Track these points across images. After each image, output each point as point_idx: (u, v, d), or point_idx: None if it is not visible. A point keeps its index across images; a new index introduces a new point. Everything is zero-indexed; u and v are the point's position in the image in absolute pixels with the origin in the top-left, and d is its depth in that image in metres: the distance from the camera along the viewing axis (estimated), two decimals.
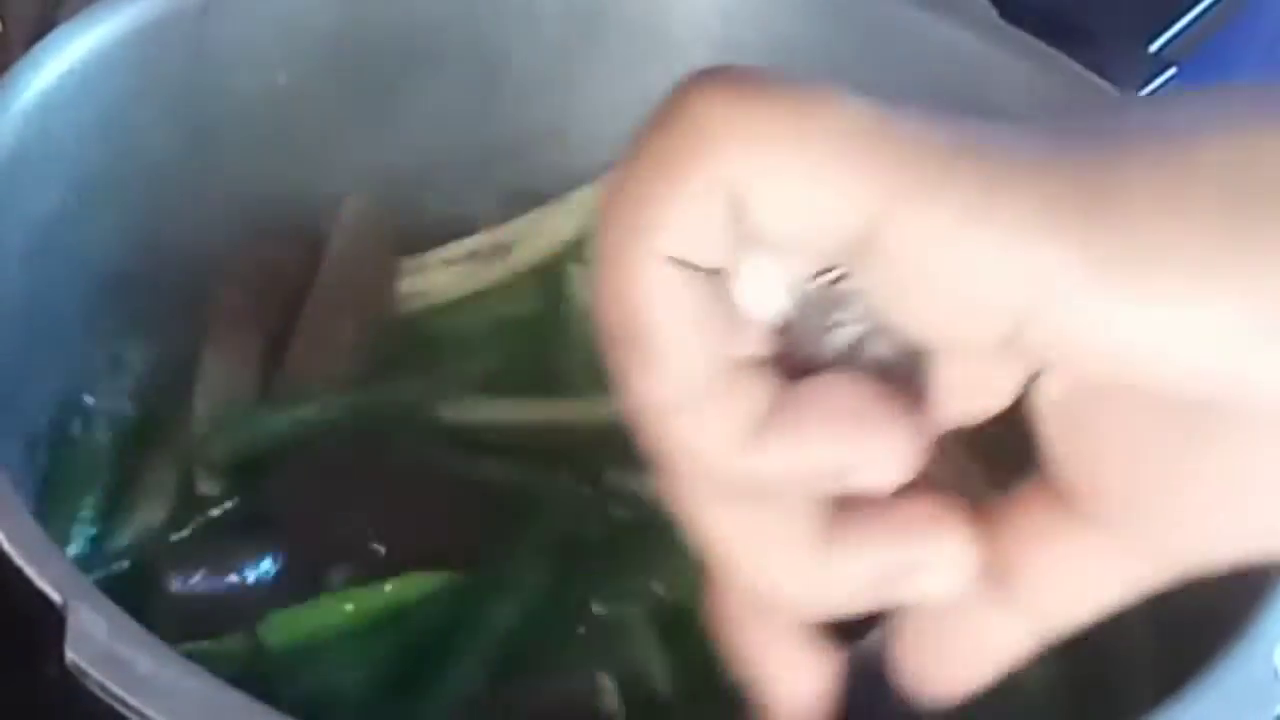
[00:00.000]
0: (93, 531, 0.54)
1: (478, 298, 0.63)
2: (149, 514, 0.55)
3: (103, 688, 0.38)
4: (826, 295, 0.30)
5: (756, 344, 0.30)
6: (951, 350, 0.30)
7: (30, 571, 0.40)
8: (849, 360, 0.30)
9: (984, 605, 0.32)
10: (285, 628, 0.52)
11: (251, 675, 0.46)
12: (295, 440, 0.57)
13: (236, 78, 0.58)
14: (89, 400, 0.56)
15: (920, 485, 0.31)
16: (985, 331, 0.28)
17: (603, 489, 0.57)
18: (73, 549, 0.53)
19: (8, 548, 0.40)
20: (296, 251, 0.61)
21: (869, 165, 0.27)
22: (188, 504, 0.55)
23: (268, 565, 0.53)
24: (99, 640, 0.38)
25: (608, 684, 0.52)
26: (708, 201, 0.28)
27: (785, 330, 0.30)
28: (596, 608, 0.54)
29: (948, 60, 0.60)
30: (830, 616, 0.32)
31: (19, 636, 0.40)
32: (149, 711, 0.38)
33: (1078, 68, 0.59)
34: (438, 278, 0.63)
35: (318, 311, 0.60)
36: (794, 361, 0.30)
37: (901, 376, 0.30)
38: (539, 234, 0.64)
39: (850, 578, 0.31)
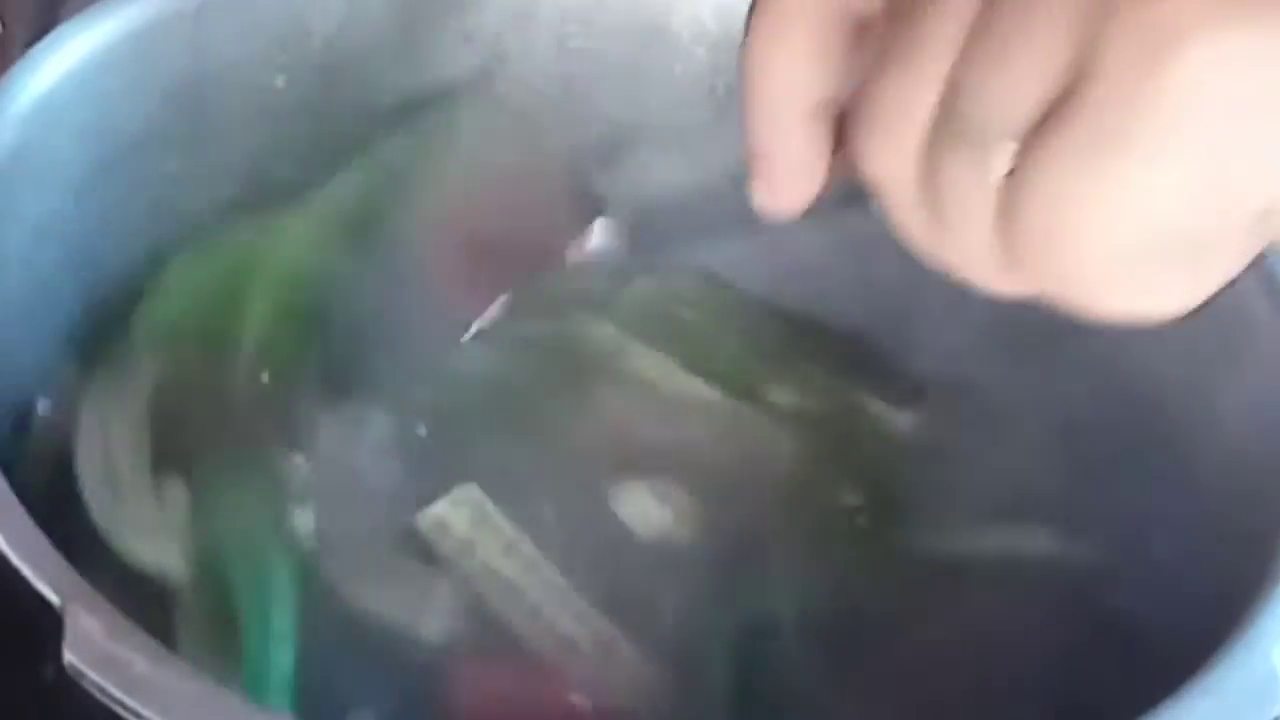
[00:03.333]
0: None
1: None
2: None
3: (100, 689, 0.38)
4: None
5: None
6: None
7: (28, 573, 0.40)
8: None
9: None
10: None
11: None
12: None
13: (235, 80, 0.58)
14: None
15: None
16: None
17: None
18: None
19: (6, 549, 0.40)
20: None
21: None
22: None
23: None
24: (97, 641, 0.38)
25: None
26: None
27: None
28: None
29: None
30: None
31: (17, 638, 0.40)
32: (146, 713, 0.38)
33: None
34: None
35: None
36: None
37: None
38: None
39: None
